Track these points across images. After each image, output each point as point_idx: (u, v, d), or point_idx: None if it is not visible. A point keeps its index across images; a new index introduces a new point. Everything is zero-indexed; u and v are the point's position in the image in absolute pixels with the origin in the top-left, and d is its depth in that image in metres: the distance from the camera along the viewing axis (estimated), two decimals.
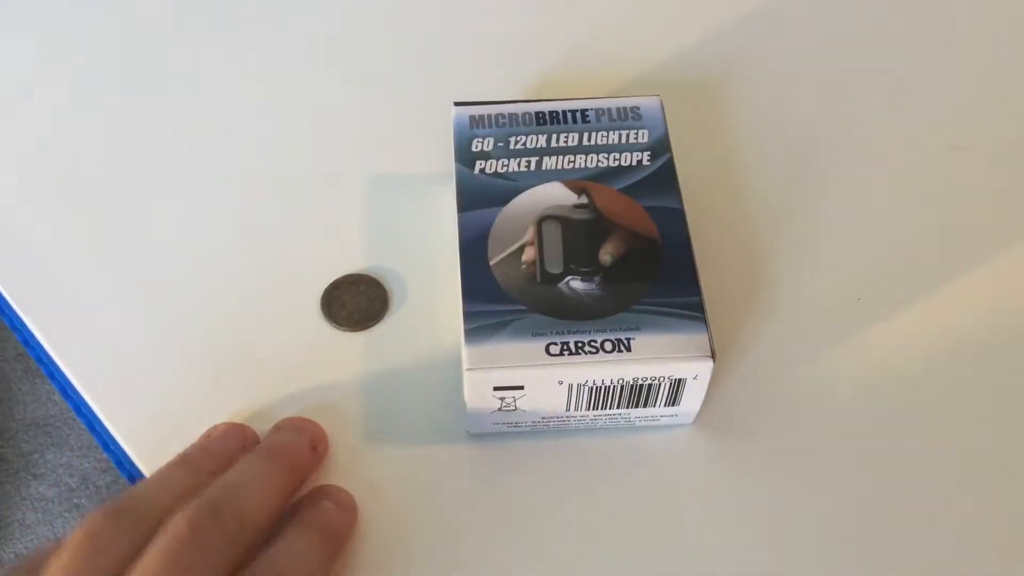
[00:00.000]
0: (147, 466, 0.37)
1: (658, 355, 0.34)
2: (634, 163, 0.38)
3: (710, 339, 0.34)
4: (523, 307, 0.35)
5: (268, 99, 0.48)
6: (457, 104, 0.41)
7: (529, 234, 0.37)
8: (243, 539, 0.30)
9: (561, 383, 0.34)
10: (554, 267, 0.36)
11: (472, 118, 0.40)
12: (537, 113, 0.40)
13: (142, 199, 0.44)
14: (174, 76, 0.49)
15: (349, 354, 0.39)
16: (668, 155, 0.39)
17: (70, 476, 1.19)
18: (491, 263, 0.36)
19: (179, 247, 0.43)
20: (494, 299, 0.35)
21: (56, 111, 0.47)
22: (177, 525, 0.29)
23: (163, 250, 0.42)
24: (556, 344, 0.34)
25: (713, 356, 0.34)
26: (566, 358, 0.34)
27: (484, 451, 0.37)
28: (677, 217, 0.37)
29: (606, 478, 0.37)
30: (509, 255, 0.36)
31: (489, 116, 0.40)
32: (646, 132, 0.39)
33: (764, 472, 0.37)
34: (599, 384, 0.34)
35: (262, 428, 0.38)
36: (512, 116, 0.40)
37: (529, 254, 0.36)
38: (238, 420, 0.38)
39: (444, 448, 0.37)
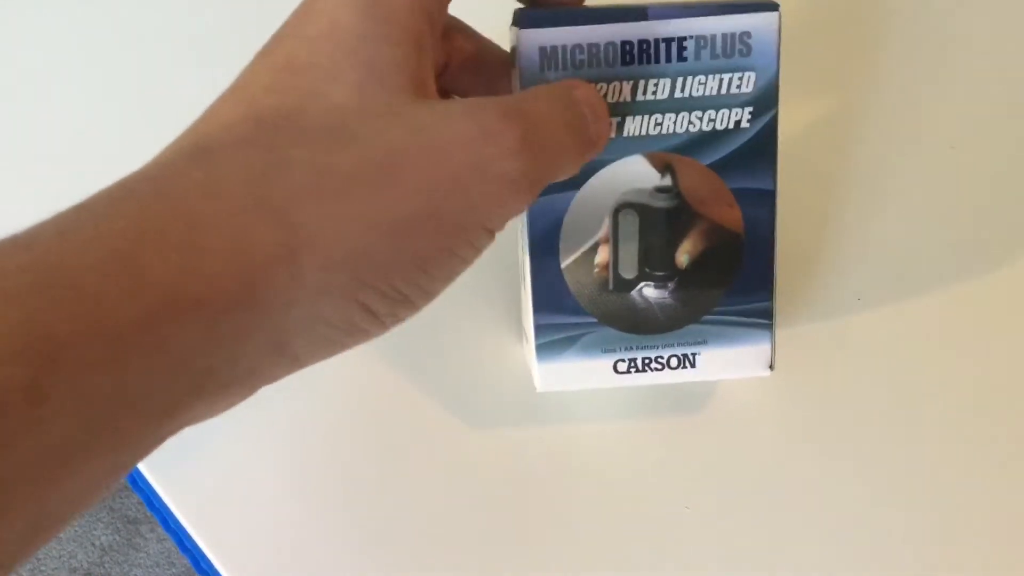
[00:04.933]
0: (147, 466, 0.37)
1: (720, 371, 0.35)
2: (731, 125, 0.33)
3: (772, 349, 0.35)
4: (593, 319, 0.35)
5: None
6: (520, 21, 0.31)
7: (604, 229, 0.34)
8: None
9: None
10: (628, 271, 0.34)
11: (543, 52, 0.32)
12: (624, 44, 0.32)
13: None
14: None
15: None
16: (773, 112, 0.33)
17: None
18: (563, 265, 0.34)
19: None
20: (565, 309, 0.34)
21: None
22: None
23: None
24: (624, 361, 0.35)
25: (771, 367, 0.36)
26: (632, 375, 0.35)
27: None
28: (766, 202, 0.34)
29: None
30: (582, 256, 0.34)
31: (563, 50, 0.32)
32: (752, 76, 0.32)
33: (765, 468, 0.40)
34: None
35: (261, 431, 0.39)
36: (592, 50, 0.32)
37: (603, 255, 0.34)
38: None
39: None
